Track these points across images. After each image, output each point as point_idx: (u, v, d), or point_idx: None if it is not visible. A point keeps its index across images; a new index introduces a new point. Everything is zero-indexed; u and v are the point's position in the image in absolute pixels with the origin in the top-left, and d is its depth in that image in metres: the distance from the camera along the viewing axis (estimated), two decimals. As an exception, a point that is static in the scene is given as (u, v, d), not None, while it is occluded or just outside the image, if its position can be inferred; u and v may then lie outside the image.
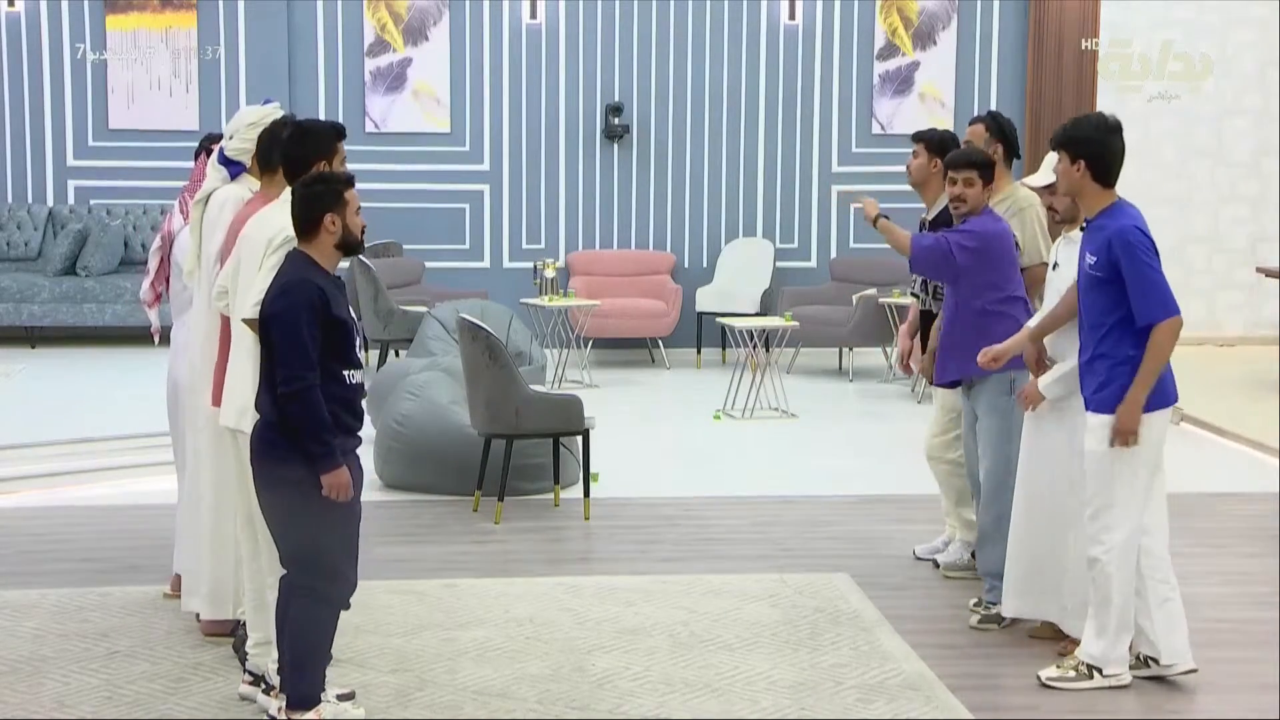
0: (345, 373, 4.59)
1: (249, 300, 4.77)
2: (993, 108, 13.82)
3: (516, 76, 13.63)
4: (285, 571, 4.64)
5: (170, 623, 5.69)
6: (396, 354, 11.26)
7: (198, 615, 5.58)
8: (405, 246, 13.08)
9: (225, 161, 5.51)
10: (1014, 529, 5.66)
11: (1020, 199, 6.32)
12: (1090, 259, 5.09)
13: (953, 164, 6.01)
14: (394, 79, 13.52)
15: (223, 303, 5.13)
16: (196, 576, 5.55)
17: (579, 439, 7.60)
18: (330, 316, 4.53)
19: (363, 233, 4.72)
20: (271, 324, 4.49)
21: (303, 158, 4.95)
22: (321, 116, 13.30)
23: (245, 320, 4.80)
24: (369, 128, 13.41)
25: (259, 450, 4.59)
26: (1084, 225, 5.26)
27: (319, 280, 4.56)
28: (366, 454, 7.16)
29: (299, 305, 4.47)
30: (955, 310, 5.99)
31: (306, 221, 4.62)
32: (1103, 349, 5.10)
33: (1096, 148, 5.12)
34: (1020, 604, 5.67)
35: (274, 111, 5.47)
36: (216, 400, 5.20)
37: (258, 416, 4.64)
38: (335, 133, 5.11)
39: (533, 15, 13.59)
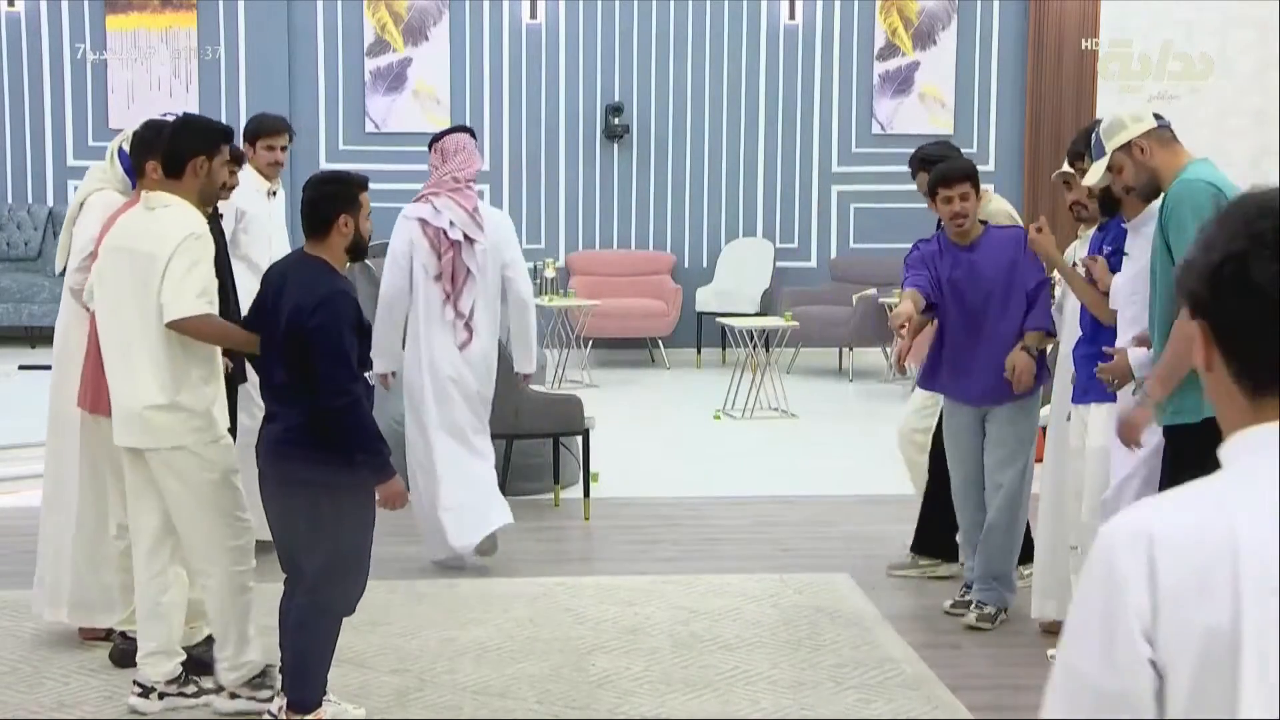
0: (364, 375, 4.58)
1: (180, 301, 4.57)
2: (992, 108, 13.89)
3: (516, 76, 13.63)
4: (286, 574, 4.65)
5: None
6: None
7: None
8: (405, 246, 13.08)
9: (127, 166, 5.36)
10: (1041, 532, 5.65)
11: (990, 213, 6.24)
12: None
13: (946, 180, 5.72)
14: (394, 79, 13.52)
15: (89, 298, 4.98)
16: (58, 585, 5.46)
17: (579, 439, 7.60)
18: (361, 325, 4.51)
19: (369, 239, 4.67)
20: (314, 336, 4.39)
21: (177, 152, 4.75)
22: (321, 117, 13.35)
23: (178, 320, 4.58)
24: (369, 128, 13.41)
25: (282, 456, 4.50)
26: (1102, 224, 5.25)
27: (347, 288, 4.53)
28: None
29: (341, 318, 4.41)
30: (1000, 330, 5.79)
31: (320, 221, 4.54)
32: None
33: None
34: (1048, 605, 5.65)
35: None
36: (90, 404, 5.09)
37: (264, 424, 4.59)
38: (222, 133, 4.89)
39: (533, 15, 13.59)
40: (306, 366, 4.41)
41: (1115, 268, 5.09)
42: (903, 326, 5.57)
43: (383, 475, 4.49)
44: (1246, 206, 1.72)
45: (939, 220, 5.96)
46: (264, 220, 6.64)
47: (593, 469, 7.67)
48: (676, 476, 8.65)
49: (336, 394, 4.38)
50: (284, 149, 6.77)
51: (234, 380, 5.40)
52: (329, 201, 4.55)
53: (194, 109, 13.19)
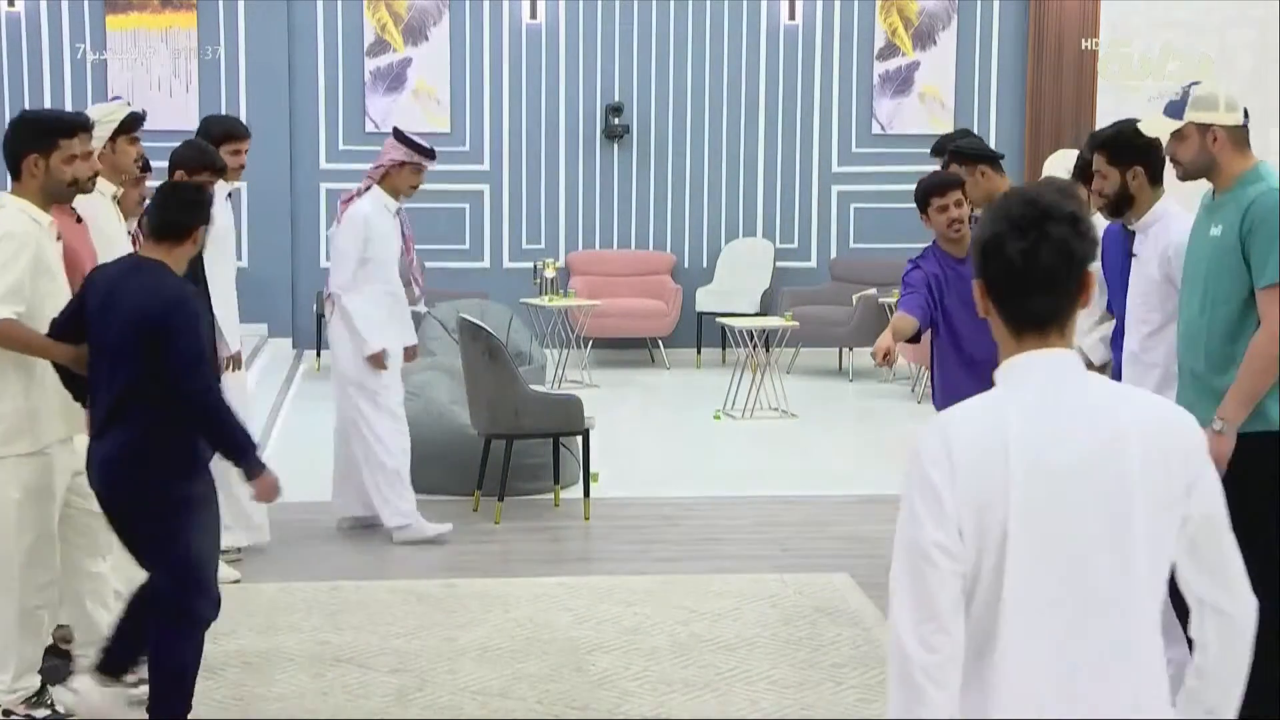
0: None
1: None
2: (992, 108, 13.90)
3: (516, 76, 13.63)
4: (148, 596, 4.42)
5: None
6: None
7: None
8: (405, 246, 13.08)
9: None
10: None
11: None
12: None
13: (941, 189, 5.65)
14: (394, 79, 13.52)
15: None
16: None
17: (579, 439, 7.60)
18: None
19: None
20: (174, 336, 4.21)
21: (11, 152, 4.55)
22: (321, 117, 13.33)
23: None
24: (369, 128, 13.39)
25: (132, 476, 4.27)
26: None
27: (193, 292, 4.46)
28: (366, 454, 7.15)
29: (198, 317, 4.30)
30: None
31: (181, 229, 4.39)
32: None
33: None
34: None
35: (119, 110, 5.24)
36: None
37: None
38: (61, 126, 4.61)
39: (533, 15, 13.59)
40: (155, 370, 4.21)
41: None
42: (886, 355, 5.53)
43: (258, 467, 4.39)
44: (1012, 197, 2.28)
45: (933, 240, 5.84)
46: (230, 225, 6.67)
47: (593, 469, 7.67)
48: (676, 476, 8.65)
49: (204, 391, 4.26)
50: (246, 152, 6.79)
51: None
52: (195, 209, 4.43)
53: (194, 109, 13.19)
